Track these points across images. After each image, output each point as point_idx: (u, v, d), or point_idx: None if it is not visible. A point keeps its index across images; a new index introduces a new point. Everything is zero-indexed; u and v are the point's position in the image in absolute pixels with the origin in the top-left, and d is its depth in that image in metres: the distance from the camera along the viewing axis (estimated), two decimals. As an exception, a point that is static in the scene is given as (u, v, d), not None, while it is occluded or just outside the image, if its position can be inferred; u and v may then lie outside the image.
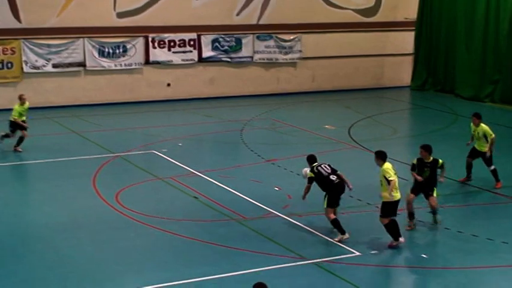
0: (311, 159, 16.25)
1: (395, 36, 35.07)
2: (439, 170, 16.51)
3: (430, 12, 34.41)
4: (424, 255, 14.65)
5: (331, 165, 16.06)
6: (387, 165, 14.96)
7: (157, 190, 19.02)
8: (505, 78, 31.14)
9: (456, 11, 33.06)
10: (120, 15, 30.52)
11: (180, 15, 31.08)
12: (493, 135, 19.21)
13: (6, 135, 23.05)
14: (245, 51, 32.29)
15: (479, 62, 32.11)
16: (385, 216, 15.02)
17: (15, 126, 22.83)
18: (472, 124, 19.55)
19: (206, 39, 31.63)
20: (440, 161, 16.53)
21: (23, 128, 22.77)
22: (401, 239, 15.08)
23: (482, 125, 19.38)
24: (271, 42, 32.66)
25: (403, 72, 35.22)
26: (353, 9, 34.05)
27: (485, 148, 19.21)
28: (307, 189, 15.85)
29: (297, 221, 16.50)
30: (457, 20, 33.10)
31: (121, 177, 19.89)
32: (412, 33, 35.05)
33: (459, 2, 32.84)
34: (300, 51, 33.18)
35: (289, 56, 33.04)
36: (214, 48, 31.77)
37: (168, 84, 31.43)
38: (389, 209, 14.93)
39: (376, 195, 15.79)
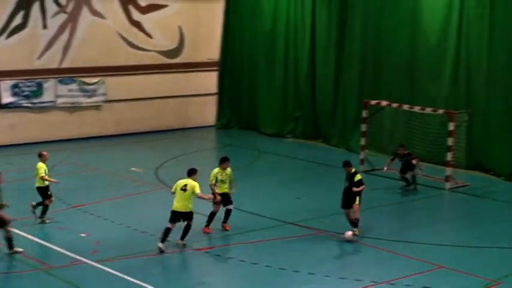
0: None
1: (199, 77, 35.55)
2: None
3: (232, 52, 35.25)
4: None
5: None
6: None
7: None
8: (305, 114, 32.35)
9: (257, 52, 34.05)
10: None
11: (-23, 61, 30.05)
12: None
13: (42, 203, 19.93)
14: (47, 96, 31.54)
15: (281, 100, 33.17)
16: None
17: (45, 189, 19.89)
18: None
19: (5, 85, 30.67)
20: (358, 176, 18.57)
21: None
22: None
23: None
24: (74, 86, 32.13)
25: (208, 112, 35.74)
26: (157, 51, 34.25)
27: None
28: None
29: (106, 266, 16.27)
30: (258, 61, 34.07)
31: None
32: (216, 74, 35.71)
33: (259, 43, 33.80)
34: (104, 94, 32.90)
35: (93, 99, 32.64)
36: (14, 94, 30.85)
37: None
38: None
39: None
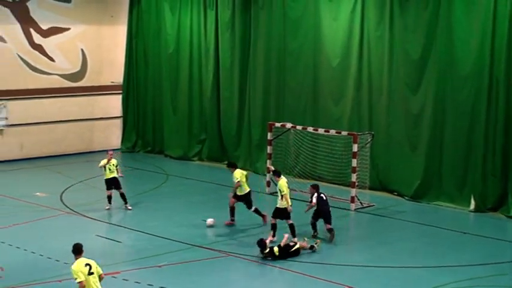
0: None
1: (103, 100, 35.27)
2: None
3: (136, 75, 35.10)
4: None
5: None
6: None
7: None
8: (210, 137, 32.46)
9: (161, 75, 34.02)
10: None
11: None
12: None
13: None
14: None
15: (186, 122, 33.20)
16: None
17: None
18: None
19: None
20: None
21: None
22: None
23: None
24: (-28, 111, 31.47)
25: (112, 135, 35.45)
26: (59, 75, 33.81)
27: None
28: None
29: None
30: (162, 83, 34.03)
31: None
32: (120, 97, 35.49)
33: (164, 66, 33.78)
34: (6, 118, 32.26)
35: (-5, 123, 32.03)
36: None
37: None
38: None
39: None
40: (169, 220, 22.57)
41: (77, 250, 13.53)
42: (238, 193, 21.77)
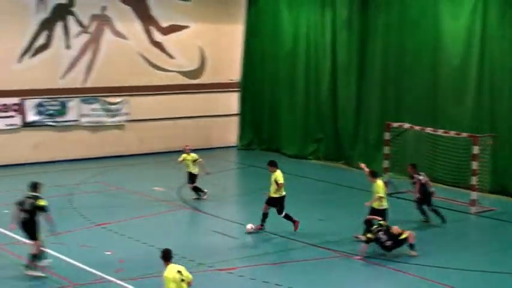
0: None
1: (220, 98, 35.70)
2: None
3: (253, 73, 35.37)
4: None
5: None
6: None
7: (-18, 260, 18.25)
8: (327, 136, 32.34)
9: (278, 73, 34.17)
10: None
11: (2, 79, 30.24)
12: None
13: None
14: (70, 115, 31.80)
15: (303, 121, 33.21)
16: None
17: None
18: None
19: (30, 104, 30.93)
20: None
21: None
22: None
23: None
24: (98, 105, 32.38)
25: (229, 133, 35.83)
26: (178, 72, 34.44)
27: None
28: None
29: (129, 284, 16.28)
30: (279, 81, 34.18)
31: None
32: (237, 94, 35.83)
33: (281, 64, 33.94)
34: (127, 113, 33.09)
35: (116, 118, 32.86)
36: (38, 113, 31.09)
37: (-9, 151, 30.41)
38: None
39: (206, 255, 15.82)
40: (283, 218, 22.55)
41: (167, 256, 13.08)
42: (275, 195, 20.72)
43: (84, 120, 32.14)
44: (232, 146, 35.58)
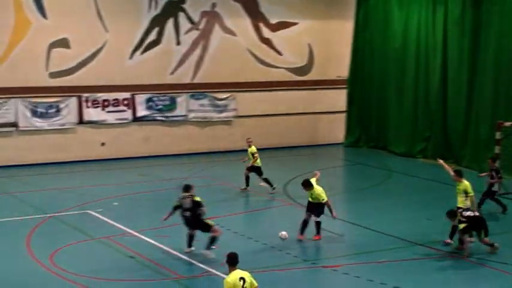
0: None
1: (328, 94, 35.60)
2: None
3: (361, 70, 35.12)
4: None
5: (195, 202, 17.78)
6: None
7: (92, 250, 18.71)
8: (435, 134, 31.78)
9: (387, 71, 33.81)
10: (53, 75, 30.33)
11: (113, 75, 31.05)
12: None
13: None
14: (179, 110, 32.35)
15: (411, 119, 32.76)
16: None
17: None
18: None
19: (140, 98, 31.62)
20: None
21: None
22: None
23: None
24: (206, 101, 32.83)
25: (336, 130, 35.68)
26: (286, 68, 34.52)
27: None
28: None
29: (234, 278, 16.37)
30: (388, 79, 33.83)
31: (55, 238, 19.51)
32: (345, 91, 35.63)
33: (390, 61, 33.60)
34: (235, 109, 33.39)
35: (224, 114, 33.23)
36: (148, 107, 31.76)
37: (103, 144, 31.22)
38: None
39: (312, 252, 15.77)
40: (389, 216, 22.30)
41: (233, 260, 12.23)
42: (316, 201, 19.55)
43: (192, 115, 32.61)
44: (339, 144, 35.39)
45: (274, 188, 24.91)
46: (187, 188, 18.45)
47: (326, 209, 19.36)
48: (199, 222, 18.00)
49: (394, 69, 33.49)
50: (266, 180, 25.06)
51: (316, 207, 19.39)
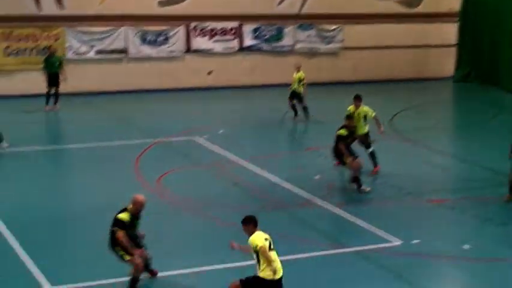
0: None
1: (438, 28, 34.73)
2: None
3: (474, 3, 34.00)
4: (466, 246, 14.39)
5: None
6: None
7: (198, 176, 19.02)
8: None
9: (501, 3, 32.61)
10: (162, 3, 30.63)
11: (221, 4, 31.08)
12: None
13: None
14: (286, 41, 32.23)
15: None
16: None
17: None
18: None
19: (247, 28, 31.61)
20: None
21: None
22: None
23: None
24: (313, 32, 32.56)
25: (445, 64, 34.85)
26: (395, 0, 33.78)
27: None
28: None
29: (337, 209, 16.39)
30: (502, 12, 32.65)
31: (162, 163, 19.90)
32: (455, 25, 34.65)
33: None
34: (342, 41, 33.01)
35: (331, 46, 32.91)
36: (255, 37, 31.74)
37: (209, 72, 31.47)
38: None
39: (416, 186, 15.56)
40: (496, 153, 21.70)
41: (254, 222, 11.11)
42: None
43: (299, 46, 32.43)
44: (448, 78, 34.58)
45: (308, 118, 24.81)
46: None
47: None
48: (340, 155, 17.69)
49: (509, 3, 32.25)
50: (305, 109, 24.74)
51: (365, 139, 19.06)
